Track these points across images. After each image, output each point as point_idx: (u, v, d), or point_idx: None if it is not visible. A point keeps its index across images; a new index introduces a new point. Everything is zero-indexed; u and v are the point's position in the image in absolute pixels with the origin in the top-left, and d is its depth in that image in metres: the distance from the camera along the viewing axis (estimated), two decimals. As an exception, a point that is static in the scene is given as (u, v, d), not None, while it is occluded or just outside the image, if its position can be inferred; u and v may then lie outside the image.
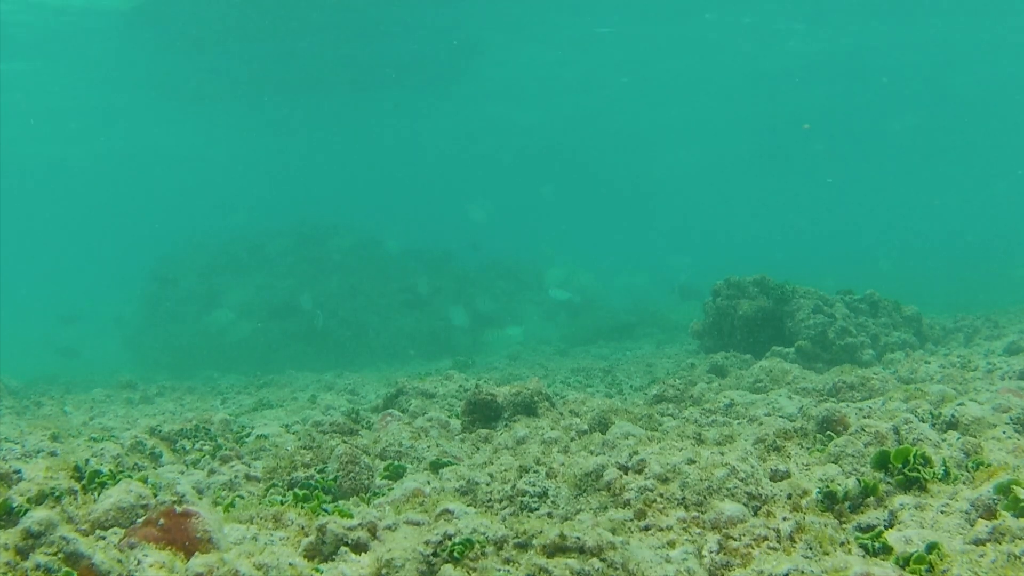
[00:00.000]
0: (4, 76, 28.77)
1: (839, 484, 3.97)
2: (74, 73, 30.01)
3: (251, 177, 51.91)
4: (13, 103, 31.54)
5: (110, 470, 4.34)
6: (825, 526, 3.55)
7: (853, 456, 4.77)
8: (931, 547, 3.14)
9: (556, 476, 4.53)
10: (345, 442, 6.13)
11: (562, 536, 3.10)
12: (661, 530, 3.70)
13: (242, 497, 5.19)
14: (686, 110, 43.59)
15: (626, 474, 4.26)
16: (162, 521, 3.29)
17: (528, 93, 38.36)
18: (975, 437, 4.99)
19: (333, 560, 3.48)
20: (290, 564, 3.14)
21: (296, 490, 5.05)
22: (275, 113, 37.91)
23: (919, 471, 3.90)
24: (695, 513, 3.78)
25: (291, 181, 53.56)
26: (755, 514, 3.79)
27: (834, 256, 39.52)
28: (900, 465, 3.95)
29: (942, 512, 3.63)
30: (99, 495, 3.65)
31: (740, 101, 41.99)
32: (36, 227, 59.22)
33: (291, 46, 28.01)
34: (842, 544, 3.38)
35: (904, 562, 3.11)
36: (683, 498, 3.94)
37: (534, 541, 3.14)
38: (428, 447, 6.50)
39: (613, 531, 3.61)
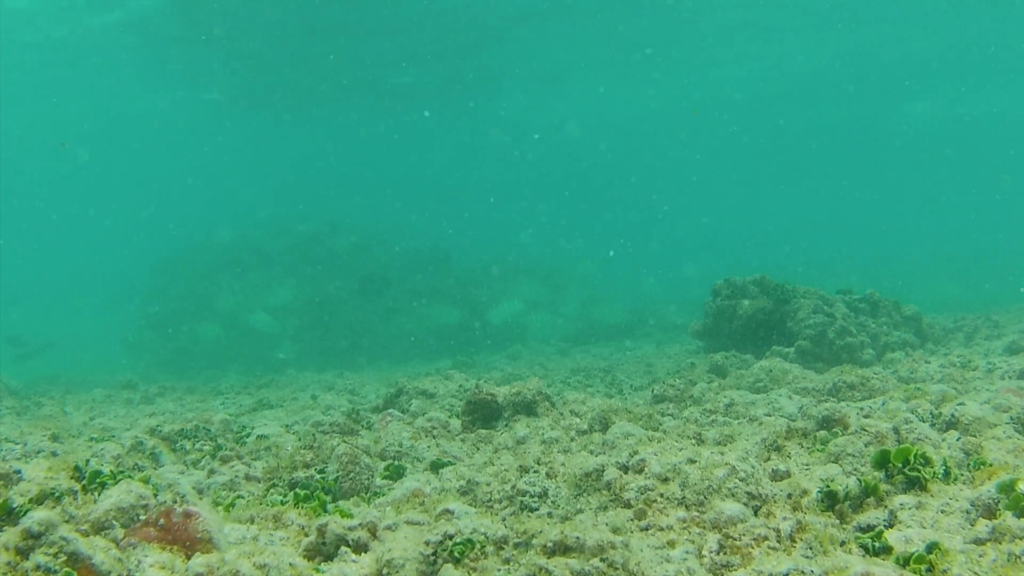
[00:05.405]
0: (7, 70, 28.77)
1: (839, 484, 3.97)
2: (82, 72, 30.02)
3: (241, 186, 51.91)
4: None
5: (110, 470, 4.34)
6: (825, 526, 3.55)
7: (853, 456, 4.77)
8: (931, 547, 3.14)
9: (556, 476, 4.53)
10: (345, 442, 6.13)
11: (562, 536, 3.10)
12: (661, 530, 3.70)
13: (242, 497, 5.19)
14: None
15: (626, 474, 4.26)
16: (162, 521, 3.29)
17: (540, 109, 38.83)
18: (975, 437, 4.99)
19: (333, 560, 3.48)
20: (290, 564, 3.14)
21: (297, 490, 5.05)
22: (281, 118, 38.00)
23: (919, 471, 3.90)
24: (695, 513, 3.78)
25: (289, 184, 53.65)
26: (755, 514, 3.79)
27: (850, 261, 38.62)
28: (900, 465, 3.95)
29: (942, 512, 3.63)
30: (99, 495, 3.64)
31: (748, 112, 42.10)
32: (35, 226, 59.27)
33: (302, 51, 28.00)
34: (842, 544, 3.38)
35: (904, 562, 3.11)
36: (683, 498, 3.93)
37: (534, 541, 3.14)
38: (428, 447, 6.50)
39: (613, 531, 3.61)
